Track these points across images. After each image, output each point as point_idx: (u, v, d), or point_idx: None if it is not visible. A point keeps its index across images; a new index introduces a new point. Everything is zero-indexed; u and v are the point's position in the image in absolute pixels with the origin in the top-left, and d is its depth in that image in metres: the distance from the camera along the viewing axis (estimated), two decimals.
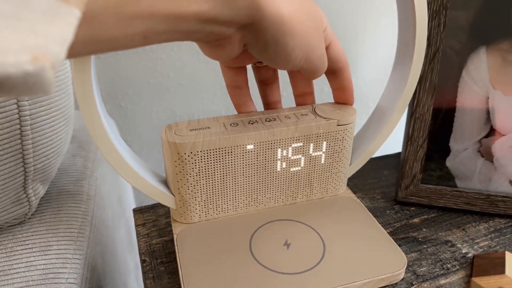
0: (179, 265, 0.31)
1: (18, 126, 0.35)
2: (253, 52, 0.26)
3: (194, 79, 0.74)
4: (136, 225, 0.40)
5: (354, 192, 0.45)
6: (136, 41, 0.20)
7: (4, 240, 0.37)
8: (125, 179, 0.31)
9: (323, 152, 0.36)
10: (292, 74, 0.36)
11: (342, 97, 0.36)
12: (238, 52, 0.26)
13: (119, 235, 0.56)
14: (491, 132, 0.40)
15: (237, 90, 0.35)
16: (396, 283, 0.33)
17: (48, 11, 0.14)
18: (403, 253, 0.33)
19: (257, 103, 0.36)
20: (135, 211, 0.42)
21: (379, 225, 0.36)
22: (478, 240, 0.39)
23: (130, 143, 0.77)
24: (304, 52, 0.27)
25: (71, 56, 0.18)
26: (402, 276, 0.32)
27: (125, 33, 0.19)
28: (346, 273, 0.31)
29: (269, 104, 0.37)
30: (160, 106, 0.76)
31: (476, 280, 0.33)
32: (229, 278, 0.30)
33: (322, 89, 0.79)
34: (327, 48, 0.32)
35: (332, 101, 0.38)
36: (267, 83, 0.36)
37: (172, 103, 0.76)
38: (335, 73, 0.34)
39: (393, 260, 0.32)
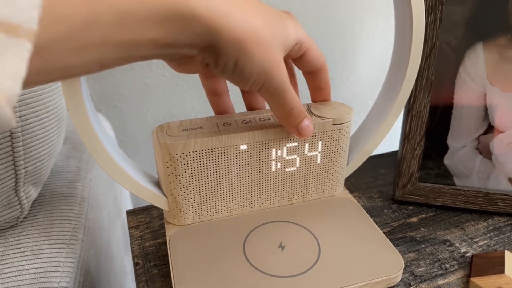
0: (171, 268, 0.30)
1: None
2: (215, 72, 0.25)
3: (191, 79, 0.73)
4: (130, 227, 0.39)
5: (351, 192, 0.44)
6: (93, 68, 0.20)
7: None
8: (116, 181, 0.30)
9: (319, 152, 0.35)
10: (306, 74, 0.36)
11: (320, 97, 0.36)
12: (201, 70, 0.26)
13: (115, 236, 0.56)
14: (489, 129, 0.39)
15: (215, 97, 0.34)
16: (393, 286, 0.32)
17: None
18: (400, 256, 0.32)
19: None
20: (128, 213, 0.41)
21: (377, 226, 0.35)
22: (477, 239, 0.38)
23: (126, 143, 0.77)
24: (262, 78, 0.26)
25: (27, 86, 0.18)
26: (399, 279, 0.31)
27: (81, 62, 0.19)
28: (341, 276, 0.30)
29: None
30: (156, 106, 0.75)
31: (474, 280, 0.33)
32: (222, 281, 0.30)
33: None
34: (304, 54, 0.31)
35: (331, 100, 0.37)
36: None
37: (168, 103, 0.75)
38: (312, 73, 0.34)
39: (390, 263, 0.31)
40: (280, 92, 0.27)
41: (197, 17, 0.21)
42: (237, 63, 0.24)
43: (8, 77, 0.14)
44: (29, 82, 0.18)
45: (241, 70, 0.25)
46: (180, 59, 0.25)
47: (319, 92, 0.36)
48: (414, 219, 0.41)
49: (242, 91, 0.36)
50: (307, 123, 0.31)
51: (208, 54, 0.23)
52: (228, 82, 0.31)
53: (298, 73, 0.35)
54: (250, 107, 0.36)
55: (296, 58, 0.32)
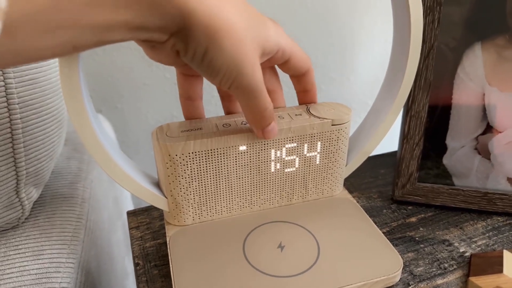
0: (171, 268, 0.31)
1: (9, 130, 0.34)
2: (184, 60, 0.25)
3: None
4: (130, 228, 0.40)
5: (351, 192, 0.44)
6: (66, 51, 0.20)
7: None
8: (116, 181, 0.31)
9: (318, 153, 0.36)
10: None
11: (306, 99, 0.36)
12: (173, 58, 0.25)
13: (116, 237, 0.56)
14: (488, 129, 0.40)
15: (188, 101, 0.34)
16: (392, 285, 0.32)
17: None
18: (399, 255, 0.32)
19: None
20: (129, 213, 0.42)
21: (376, 226, 0.35)
22: (475, 239, 0.38)
23: (127, 144, 0.77)
24: (234, 73, 0.25)
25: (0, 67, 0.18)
26: (398, 279, 0.31)
27: (52, 43, 0.19)
28: (340, 276, 0.30)
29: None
30: (157, 107, 0.75)
31: (473, 279, 0.33)
32: (222, 281, 0.30)
33: (319, 88, 0.79)
34: (288, 61, 0.31)
35: (329, 100, 0.37)
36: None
37: (168, 104, 0.75)
38: (298, 77, 0.34)
39: (389, 262, 0.31)
40: (252, 91, 0.26)
41: None
42: (206, 52, 0.23)
43: None
44: (2, 64, 0.18)
45: (210, 60, 0.24)
46: (154, 44, 0.24)
47: (305, 94, 0.36)
48: (413, 219, 0.41)
49: (221, 97, 0.35)
50: (274, 125, 0.30)
51: (179, 39, 0.23)
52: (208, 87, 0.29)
53: (285, 76, 0.35)
54: (228, 113, 0.36)
55: (280, 63, 0.32)
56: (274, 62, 0.32)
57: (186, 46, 0.23)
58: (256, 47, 0.26)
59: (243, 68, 0.25)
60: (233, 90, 0.26)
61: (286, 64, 0.32)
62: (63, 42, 0.19)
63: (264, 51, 0.27)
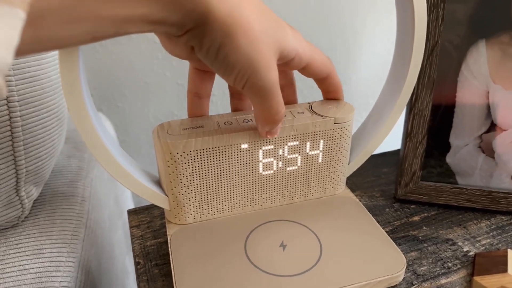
0: (172, 267, 0.30)
1: (8, 128, 0.34)
2: (198, 56, 0.25)
3: None
4: (131, 227, 0.39)
5: (353, 190, 0.44)
6: (86, 40, 0.20)
7: None
8: (116, 180, 0.30)
9: (320, 151, 0.35)
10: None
11: (330, 97, 0.36)
12: (187, 52, 0.25)
13: (117, 236, 0.56)
14: (492, 127, 0.39)
15: (196, 98, 0.33)
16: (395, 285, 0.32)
17: None
18: (403, 255, 0.32)
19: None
20: (130, 212, 0.41)
21: (378, 225, 0.35)
22: (479, 238, 0.38)
23: (128, 143, 0.77)
24: (248, 72, 0.25)
25: (21, 55, 0.18)
26: (401, 278, 0.31)
27: (74, 34, 0.19)
28: (343, 275, 0.30)
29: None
30: (158, 106, 0.75)
31: (477, 279, 0.33)
32: (223, 280, 0.29)
33: None
34: (306, 67, 0.31)
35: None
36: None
37: (169, 103, 0.75)
38: (319, 80, 0.34)
39: (392, 262, 0.31)
40: (266, 92, 0.26)
41: None
42: (220, 48, 0.23)
43: (0, 46, 0.14)
44: (23, 51, 0.18)
45: (224, 56, 0.24)
46: (170, 37, 0.25)
47: (328, 94, 0.36)
48: (416, 218, 0.41)
49: (231, 95, 0.35)
50: (279, 127, 0.31)
51: (193, 36, 0.23)
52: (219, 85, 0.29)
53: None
54: (235, 111, 0.35)
55: (300, 69, 0.32)
56: (291, 68, 0.31)
57: (200, 42, 0.23)
58: (273, 49, 0.26)
59: (259, 68, 0.25)
60: (247, 89, 0.26)
61: (305, 70, 0.31)
62: (83, 33, 0.19)
63: (281, 55, 0.27)
